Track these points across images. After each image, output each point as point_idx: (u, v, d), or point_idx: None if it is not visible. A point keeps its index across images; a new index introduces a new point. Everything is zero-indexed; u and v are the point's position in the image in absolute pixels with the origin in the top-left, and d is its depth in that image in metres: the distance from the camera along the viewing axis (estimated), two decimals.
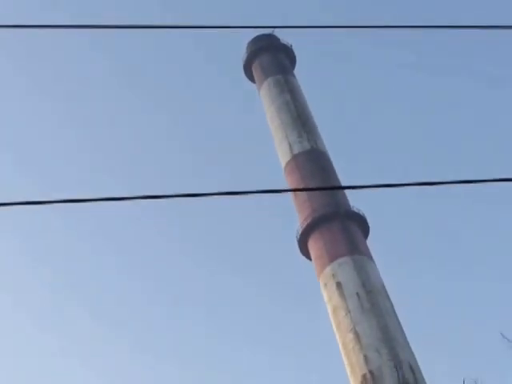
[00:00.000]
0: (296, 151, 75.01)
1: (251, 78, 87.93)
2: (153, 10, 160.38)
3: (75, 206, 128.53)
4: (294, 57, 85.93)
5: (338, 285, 65.35)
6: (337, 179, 70.84)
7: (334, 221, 68.29)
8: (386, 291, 65.51)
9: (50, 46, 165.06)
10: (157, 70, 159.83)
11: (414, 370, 59.98)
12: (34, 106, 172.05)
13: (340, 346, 63.87)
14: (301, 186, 71.30)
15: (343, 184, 69.46)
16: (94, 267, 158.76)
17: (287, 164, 75.19)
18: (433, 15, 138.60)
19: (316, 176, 70.95)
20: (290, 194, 72.72)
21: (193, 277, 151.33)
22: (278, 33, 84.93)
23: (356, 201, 69.60)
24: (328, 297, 66.35)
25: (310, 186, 70.98)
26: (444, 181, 7.97)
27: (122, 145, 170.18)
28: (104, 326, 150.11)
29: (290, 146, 75.90)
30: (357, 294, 64.26)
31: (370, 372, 59.92)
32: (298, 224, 70.59)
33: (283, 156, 76.24)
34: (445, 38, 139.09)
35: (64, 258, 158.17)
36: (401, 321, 63.96)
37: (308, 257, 70.46)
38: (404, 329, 63.53)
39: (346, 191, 69.85)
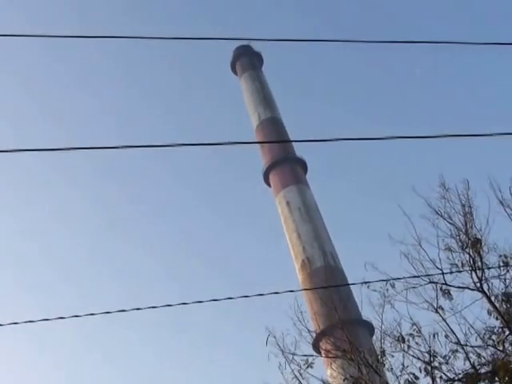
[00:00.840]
0: (262, 118, 78.47)
1: (235, 73, 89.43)
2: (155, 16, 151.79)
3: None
4: (262, 59, 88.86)
5: (288, 203, 68.61)
6: (287, 136, 73.70)
7: (285, 163, 71.40)
8: (317, 207, 68.83)
9: None
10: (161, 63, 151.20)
11: (334, 257, 63.48)
12: None
13: (288, 242, 67.22)
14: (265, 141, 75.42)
15: (292, 139, 72.42)
16: None
17: (257, 126, 78.19)
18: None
19: (275, 134, 73.80)
20: (258, 145, 75.83)
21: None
22: (252, 43, 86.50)
23: (299, 150, 73.17)
24: (281, 211, 69.52)
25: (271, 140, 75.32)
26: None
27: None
28: None
29: (259, 115, 79.12)
30: (299, 209, 67.59)
31: (307, 258, 63.27)
32: (262, 165, 73.67)
33: (254, 121, 79.33)
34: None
35: None
36: (326, 226, 67.19)
37: (269, 185, 73.33)
38: (328, 230, 66.75)
39: (294, 144, 72.64)
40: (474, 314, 17.05)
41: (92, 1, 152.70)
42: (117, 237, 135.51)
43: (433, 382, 16.32)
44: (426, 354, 16.55)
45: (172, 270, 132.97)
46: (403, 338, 16.93)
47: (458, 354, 16.48)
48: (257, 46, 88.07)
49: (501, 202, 17.84)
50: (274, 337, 18.76)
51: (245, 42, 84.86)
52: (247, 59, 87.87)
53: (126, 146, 9.51)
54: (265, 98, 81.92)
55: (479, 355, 16.40)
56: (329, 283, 57.55)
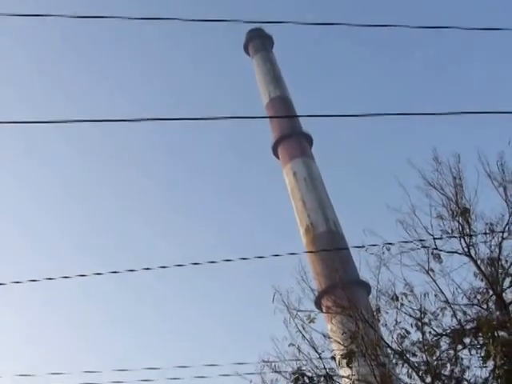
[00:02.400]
0: (272, 96, 77.91)
1: (248, 54, 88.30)
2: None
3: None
4: (273, 42, 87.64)
5: (294, 174, 68.65)
6: (295, 111, 73.80)
7: (292, 137, 71.10)
8: (321, 178, 68.82)
9: None
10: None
11: (336, 223, 63.81)
12: None
13: (294, 209, 67.39)
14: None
15: (298, 114, 71.86)
16: None
17: (267, 104, 77.61)
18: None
19: (283, 110, 73.47)
20: (268, 122, 75.49)
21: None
22: (264, 26, 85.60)
23: (306, 124, 72.51)
24: (288, 181, 69.60)
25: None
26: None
27: None
28: None
29: (269, 93, 78.65)
30: (304, 179, 67.71)
31: (311, 224, 63.68)
32: (271, 138, 73.51)
33: (265, 99, 78.82)
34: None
35: None
36: (329, 195, 67.35)
37: (277, 157, 73.09)
38: (331, 199, 66.98)
39: (300, 119, 72.22)
40: (461, 276, 17.37)
41: None
42: (125, 207, 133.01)
43: (423, 336, 16.60)
44: (417, 311, 16.79)
45: (176, 237, 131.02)
46: (397, 297, 17.17)
47: (446, 312, 16.77)
48: (268, 29, 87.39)
49: (488, 175, 17.99)
50: (280, 294, 18.97)
51: (257, 25, 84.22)
52: (259, 41, 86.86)
53: (138, 120, 9.31)
54: (275, 77, 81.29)
55: (465, 313, 16.69)
56: (330, 247, 57.94)
